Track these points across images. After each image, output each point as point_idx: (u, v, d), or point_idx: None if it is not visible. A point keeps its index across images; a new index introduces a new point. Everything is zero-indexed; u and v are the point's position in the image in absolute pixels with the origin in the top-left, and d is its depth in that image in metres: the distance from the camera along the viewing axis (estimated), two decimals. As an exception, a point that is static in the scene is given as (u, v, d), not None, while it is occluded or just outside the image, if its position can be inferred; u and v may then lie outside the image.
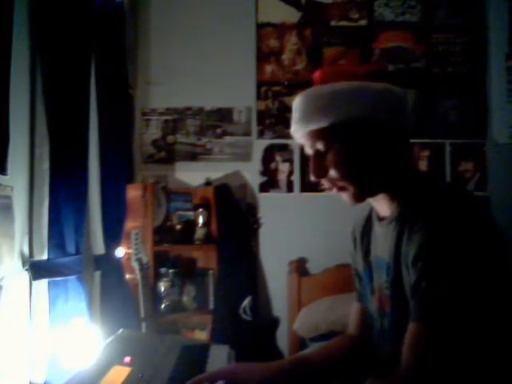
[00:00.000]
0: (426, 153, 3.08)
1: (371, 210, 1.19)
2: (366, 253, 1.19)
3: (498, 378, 0.94)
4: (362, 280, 1.22)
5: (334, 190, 1.07)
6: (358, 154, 1.02)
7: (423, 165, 3.08)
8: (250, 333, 2.76)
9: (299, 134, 1.07)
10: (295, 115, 1.06)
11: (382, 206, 1.10)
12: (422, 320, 0.90)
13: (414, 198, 1.02)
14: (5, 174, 1.55)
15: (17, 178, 1.65)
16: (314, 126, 1.03)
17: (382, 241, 1.09)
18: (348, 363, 1.24)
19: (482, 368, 0.93)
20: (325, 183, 1.07)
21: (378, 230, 1.13)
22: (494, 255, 0.92)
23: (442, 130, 3.09)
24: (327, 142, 1.03)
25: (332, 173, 1.04)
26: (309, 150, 1.08)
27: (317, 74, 1.09)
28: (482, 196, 3.01)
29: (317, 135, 1.03)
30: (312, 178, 1.07)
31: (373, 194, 1.08)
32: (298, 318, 2.81)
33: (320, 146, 1.04)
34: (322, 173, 1.05)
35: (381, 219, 1.11)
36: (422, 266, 0.92)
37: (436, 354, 0.88)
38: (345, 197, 1.07)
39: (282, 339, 2.97)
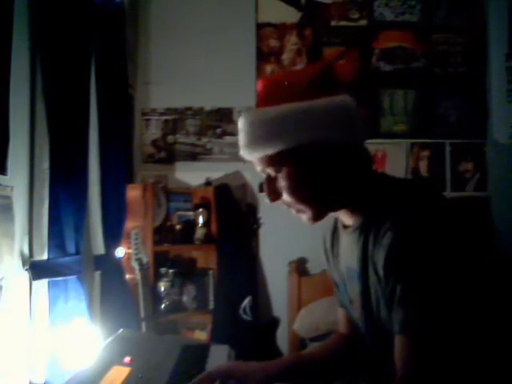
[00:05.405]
0: (426, 153, 3.08)
1: (337, 219, 1.16)
2: (338, 263, 1.17)
3: (492, 378, 0.94)
4: (340, 289, 1.21)
5: (292, 212, 1.04)
6: (309, 177, 0.99)
7: (423, 165, 3.08)
8: (250, 333, 2.76)
9: (248, 158, 1.04)
10: (241, 138, 1.02)
11: (344, 217, 1.08)
12: (405, 331, 0.89)
13: (376, 207, 0.99)
14: (5, 174, 1.55)
15: (17, 178, 1.65)
16: (261, 154, 0.99)
17: (350, 250, 1.07)
18: (345, 361, 1.23)
19: (475, 368, 0.92)
20: (283, 205, 1.05)
21: (345, 238, 1.11)
22: (462, 248, 0.90)
23: (442, 130, 3.09)
24: (276, 167, 1.00)
25: (285, 197, 1.02)
26: (261, 173, 1.05)
27: (260, 86, 1.04)
28: (481, 196, 3.02)
29: (265, 161, 1.00)
30: (268, 201, 1.05)
31: (331, 211, 1.06)
32: (297, 318, 2.81)
33: (270, 171, 1.01)
34: (276, 196, 1.03)
35: (346, 227, 1.09)
36: (393, 269, 0.90)
37: (428, 361, 0.87)
38: (303, 218, 1.04)
39: (282, 339, 2.97)
